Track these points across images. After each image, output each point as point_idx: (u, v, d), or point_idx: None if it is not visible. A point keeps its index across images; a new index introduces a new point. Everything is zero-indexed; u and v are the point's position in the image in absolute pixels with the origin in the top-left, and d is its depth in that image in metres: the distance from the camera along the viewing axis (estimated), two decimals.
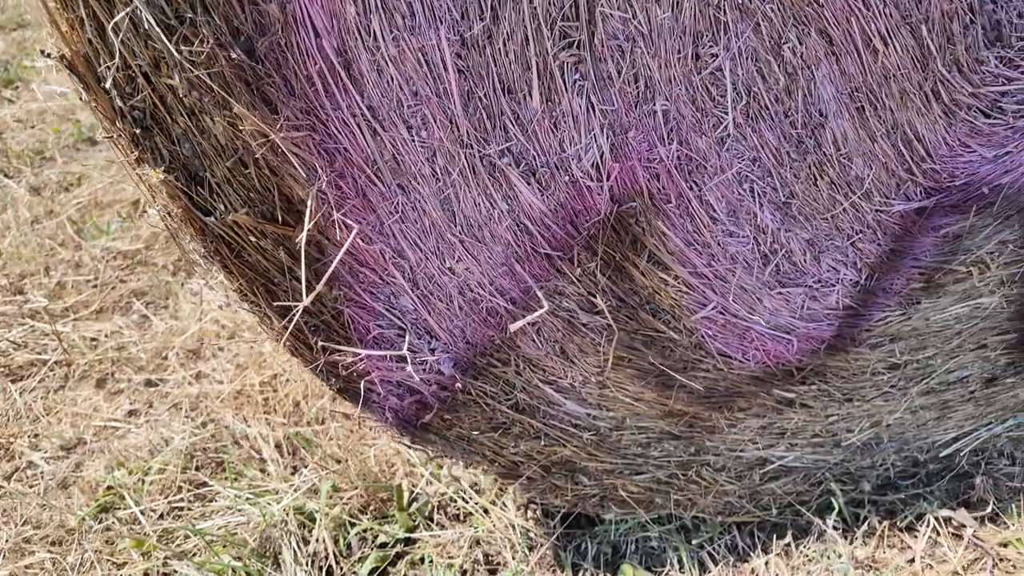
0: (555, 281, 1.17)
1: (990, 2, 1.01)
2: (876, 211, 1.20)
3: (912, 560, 1.57)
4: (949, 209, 1.24)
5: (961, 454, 1.67)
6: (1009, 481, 1.73)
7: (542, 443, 1.37)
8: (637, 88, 1.00)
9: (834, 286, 1.28)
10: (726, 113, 1.03)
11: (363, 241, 1.01)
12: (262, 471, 1.87)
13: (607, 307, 1.21)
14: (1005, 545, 1.60)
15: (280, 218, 0.97)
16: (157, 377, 2.27)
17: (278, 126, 0.87)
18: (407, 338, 1.11)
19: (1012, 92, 1.10)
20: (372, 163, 0.97)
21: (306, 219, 0.92)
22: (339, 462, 1.82)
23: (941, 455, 1.67)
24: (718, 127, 1.06)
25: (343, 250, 0.94)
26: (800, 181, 1.14)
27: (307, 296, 0.89)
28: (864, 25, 1.00)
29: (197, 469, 1.88)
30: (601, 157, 1.04)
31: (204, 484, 1.81)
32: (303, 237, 0.90)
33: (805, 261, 1.24)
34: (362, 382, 1.10)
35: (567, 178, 1.05)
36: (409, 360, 1.07)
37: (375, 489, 1.73)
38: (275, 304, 1.05)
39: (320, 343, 1.05)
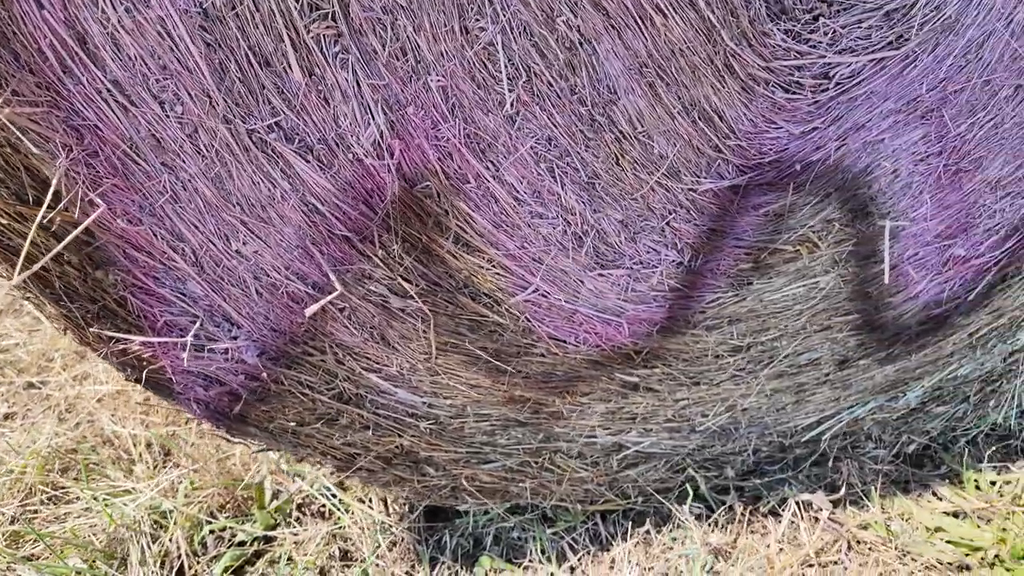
0: (360, 264, 1.14)
1: None
2: (687, 190, 1.19)
3: (770, 545, 1.56)
4: (765, 187, 1.24)
5: (824, 438, 1.67)
6: (875, 464, 1.73)
7: (375, 433, 1.34)
8: (407, 63, 0.97)
9: (656, 267, 1.27)
10: (509, 90, 1.02)
11: (130, 222, 0.98)
12: (129, 472, 1.81)
13: (420, 291, 1.19)
14: (865, 527, 1.60)
15: (32, 198, 0.93)
16: (39, 379, 2.21)
17: (2, 100, 0.84)
18: (196, 326, 1.08)
19: (807, 66, 1.10)
20: (128, 140, 0.93)
21: (47, 198, 0.89)
22: (204, 461, 1.77)
23: (804, 439, 1.67)
24: (503, 104, 1.04)
25: (78, 231, 0.90)
26: (600, 160, 1.13)
27: (17, 275, 0.85)
28: None
29: (63, 471, 1.83)
30: (381, 135, 1.01)
31: (63, 487, 1.76)
32: (38, 218, 0.87)
33: (621, 242, 1.23)
34: (146, 371, 1.06)
35: (350, 156, 1.03)
36: (188, 348, 1.04)
37: (235, 487, 1.69)
38: (47, 291, 1.01)
39: (94, 331, 1.02)
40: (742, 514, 1.61)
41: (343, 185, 1.05)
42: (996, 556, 1.49)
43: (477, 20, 0.96)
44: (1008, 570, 1.46)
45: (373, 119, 1.00)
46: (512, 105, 1.04)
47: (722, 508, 1.61)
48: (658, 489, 1.65)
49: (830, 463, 1.72)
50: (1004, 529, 1.53)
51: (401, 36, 0.95)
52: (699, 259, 1.29)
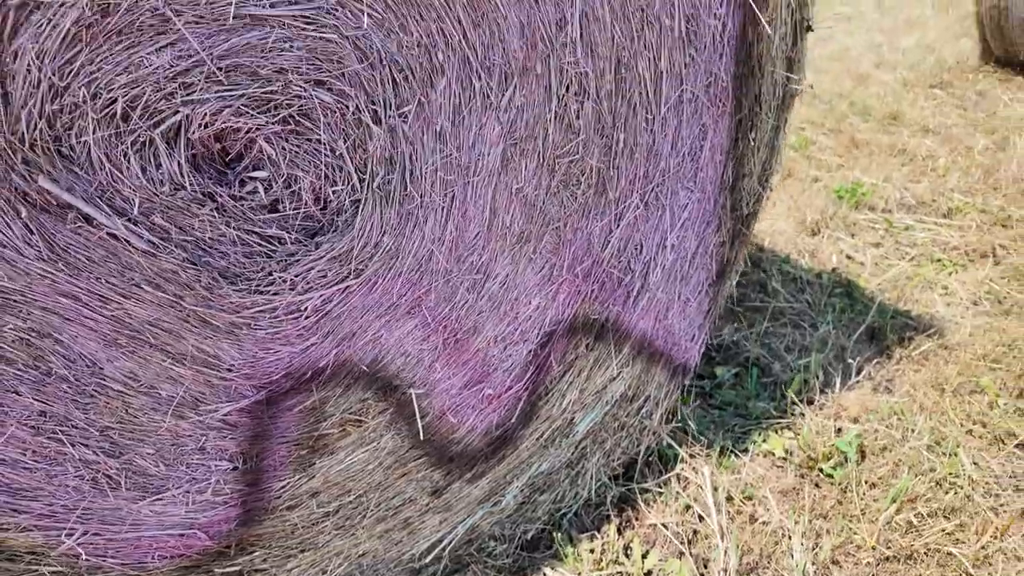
0: None
1: (208, 256, 1.23)
2: (210, 416, 1.37)
3: None
4: (290, 392, 1.45)
5: (445, 553, 1.93)
6: (497, 560, 2.03)
7: None
8: None
9: (210, 479, 1.42)
10: None
11: None
12: None
13: None
14: None
15: None
16: None
17: None
18: None
19: (281, 305, 1.34)
20: None
21: None
22: None
23: (430, 559, 1.92)
24: None
25: None
26: (107, 416, 1.25)
27: None
28: (76, 295, 1.14)
29: None
30: None
31: None
32: None
33: (162, 470, 1.36)
34: None
35: None
36: None
37: None
38: None
39: None
40: None
41: None
42: None
43: None
44: None
45: None
46: None
47: None
48: None
49: (462, 571, 1.98)
50: None
51: None
52: (253, 461, 1.46)
